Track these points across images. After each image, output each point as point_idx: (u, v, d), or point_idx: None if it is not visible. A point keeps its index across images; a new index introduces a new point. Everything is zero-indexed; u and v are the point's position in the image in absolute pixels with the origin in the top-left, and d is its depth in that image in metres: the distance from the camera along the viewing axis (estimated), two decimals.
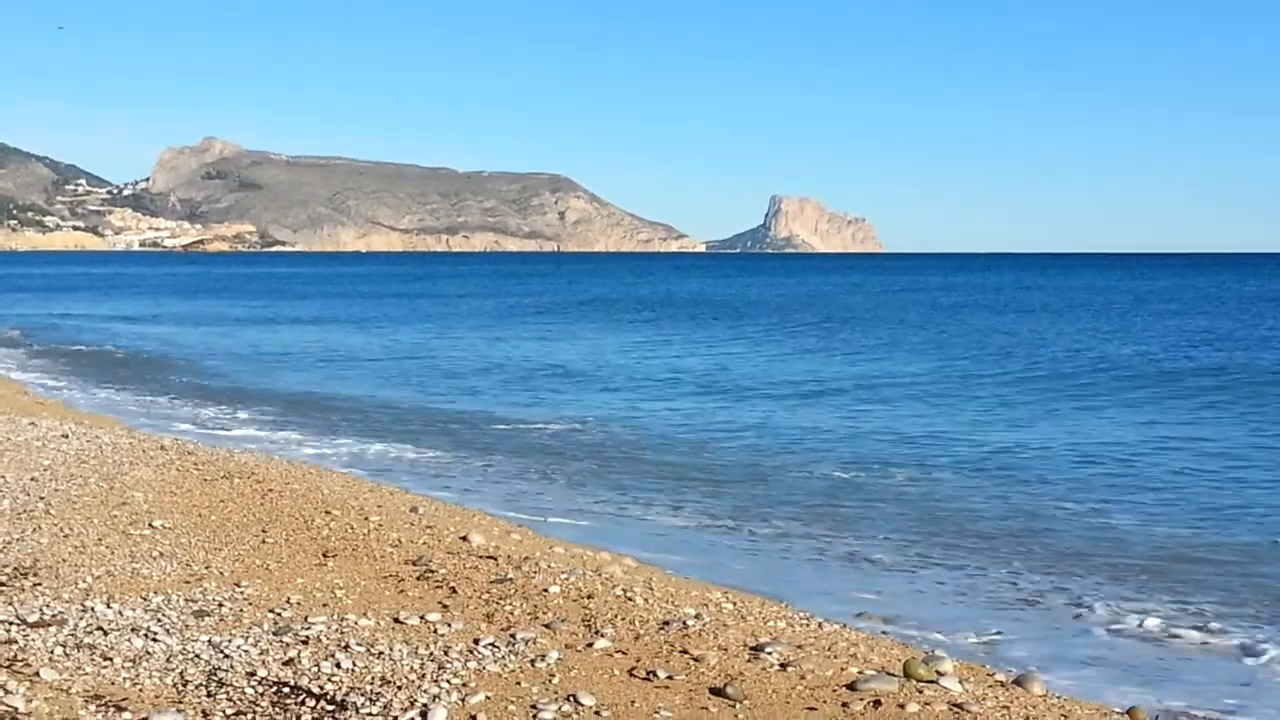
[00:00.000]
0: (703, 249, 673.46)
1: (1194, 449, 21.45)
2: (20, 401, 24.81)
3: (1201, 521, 15.65)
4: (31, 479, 14.22)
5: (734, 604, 10.40)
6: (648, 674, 8.09)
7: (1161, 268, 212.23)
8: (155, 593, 9.73)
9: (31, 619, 8.83)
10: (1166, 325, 55.38)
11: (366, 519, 13.06)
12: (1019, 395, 29.74)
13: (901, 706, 7.61)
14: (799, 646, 8.90)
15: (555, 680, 7.90)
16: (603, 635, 8.90)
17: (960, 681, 8.26)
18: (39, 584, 9.79)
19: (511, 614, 9.50)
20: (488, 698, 7.54)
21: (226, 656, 8.21)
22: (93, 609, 9.15)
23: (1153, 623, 11.45)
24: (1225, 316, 63.26)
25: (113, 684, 7.63)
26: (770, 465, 20.07)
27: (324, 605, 9.61)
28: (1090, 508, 16.48)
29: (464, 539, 12.33)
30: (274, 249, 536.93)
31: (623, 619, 9.38)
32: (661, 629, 9.15)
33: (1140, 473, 19.16)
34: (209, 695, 7.51)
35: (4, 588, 9.63)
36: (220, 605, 9.46)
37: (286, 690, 7.64)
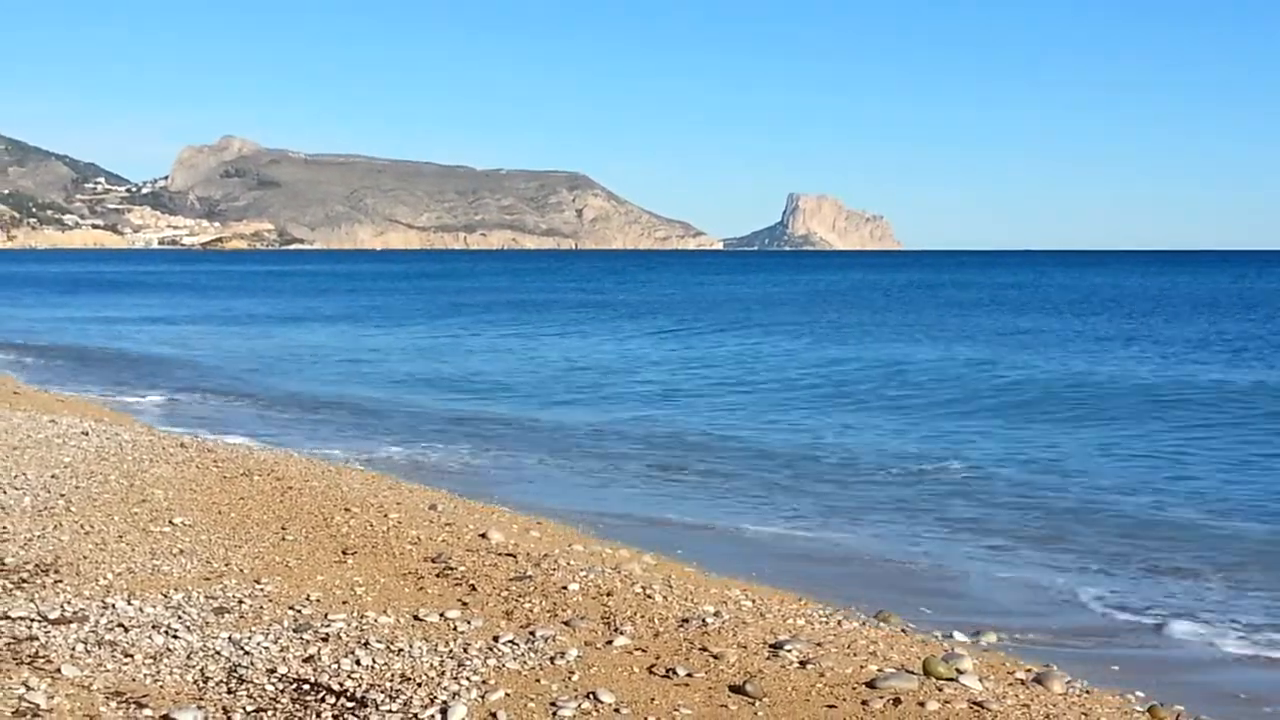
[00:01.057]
0: (720, 247, 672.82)
1: (1235, 452, 21.30)
2: (40, 398, 24.91)
3: (1253, 526, 15.44)
4: (52, 476, 14.27)
5: (753, 601, 10.39)
6: (667, 671, 8.08)
7: (1188, 264, 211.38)
8: (176, 590, 9.75)
9: (53, 616, 8.86)
10: (1197, 327, 55.10)
11: (386, 516, 13.08)
12: (1051, 395, 29.61)
13: (921, 704, 7.59)
14: (818, 644, 8.88)
15: (575, 678, 7.91)
16: (622, 633, 8.90)
17: (980, 679, 8.24)
18: (60, 581, 9.83)
19: (531, 611, 9.50)
20: (507, 695, 7.54)
21: (247, 653, 8.23)
22: (114, 606, 9.18)
23: (1185, 624, 11.41)
24: (1247, 316, 63.01)
25: (133, 681, 7.65)
26: (803, 461, 20.06)
27: (344, 602, 9.63)
28: (1128, 508, 16.36)
29: (483, 536, 12.34)
30: (292, 247, 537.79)
31: (642, 616, 9.38)
32: (681, 626, 9.14)
33: (1181, 474, 19.02)
34: (229, 692, 7.53)
35: (25, 584, 9.67)
36: (240, 602, 9.48)
37: (307, 687, 7.66)
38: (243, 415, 25.97)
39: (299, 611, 9.30)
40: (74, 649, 8.16)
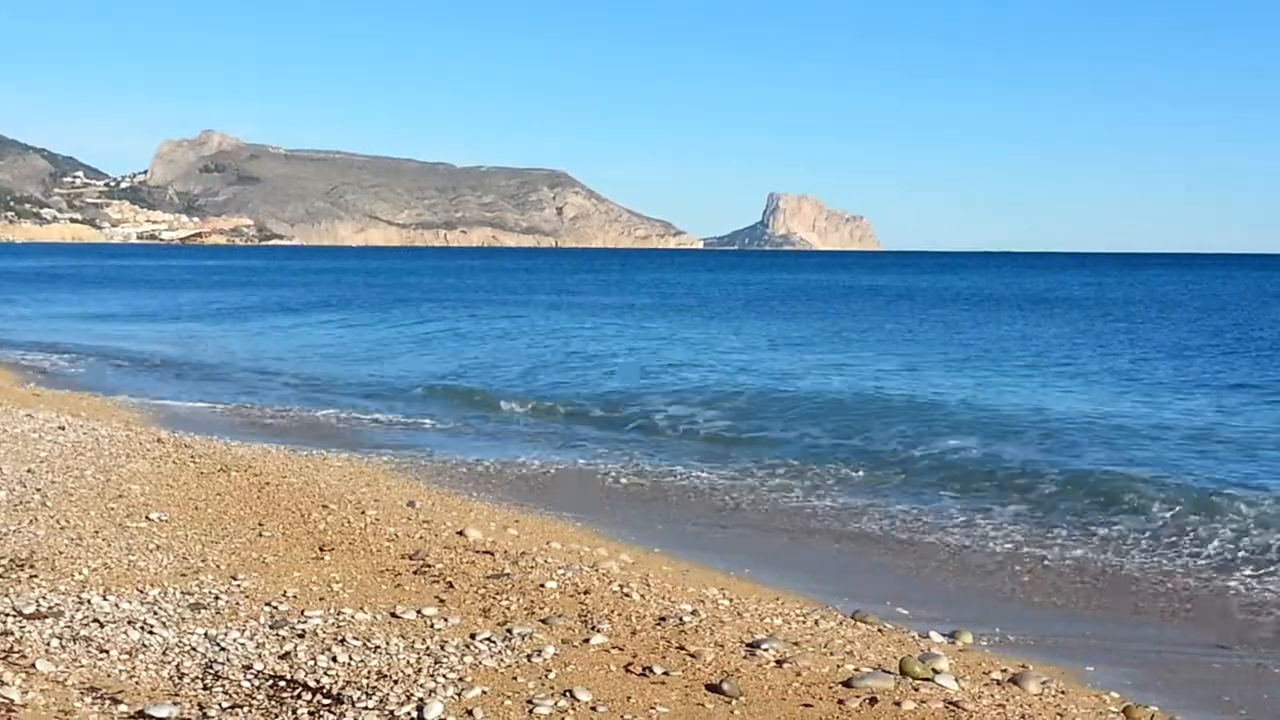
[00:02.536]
0: (700, 245, 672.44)
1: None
2: (17, 393, 24.79)
3: (1248, 522, 15.32)
4: (28, 471, 14.21)
5: (730, 600, 10.42)
6: (644, 670, 8.09)
7: (1175, 267, 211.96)
8: (152, 585, 9.72)
9: (28, 611, 8.82)
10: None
11: (363, 513, 13.06)
12: (1057, 388, 29.67)
13: (897, 704, 7.62)
14: (795, 643, 8.91)
15: (551, 676, 7.91)
16: (599, 631, 8.91)
17: (956, 679, 8.28)
18: (35, 576, 9.79)
19: (508, 609, 9.50)
20: (484, 692, 7.54)
21: (223, 649, 8.22)
22: (89, 601, 9.14)
23: (1162, 625, 11.46)
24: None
25: (109, 676, 7.63)
26: (778, 459, 20.05)
27: (320, 599, 9.61)
28: (1108, 509, 16.34)
29: (461, 534, 12.34)
30: (271, 242, 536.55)
31: (619, 615, 9.39)
32: (658, 625, 9.16)
33: (1175, 467, 19.02)
34: (205, 688, 7.52)
35: (0, 579, 9.63)
36: (217, 598, 9.46)
37: (283, 684, 7.64)
38: (330, 423, 24.55)
39: (275, 608, 9.28)
40: (49, 644, 8.13)
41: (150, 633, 8.50)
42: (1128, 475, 18.73)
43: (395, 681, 7.69)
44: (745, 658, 8.45)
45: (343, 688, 7.58)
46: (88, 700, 7.19)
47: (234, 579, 10.05)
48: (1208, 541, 14.59)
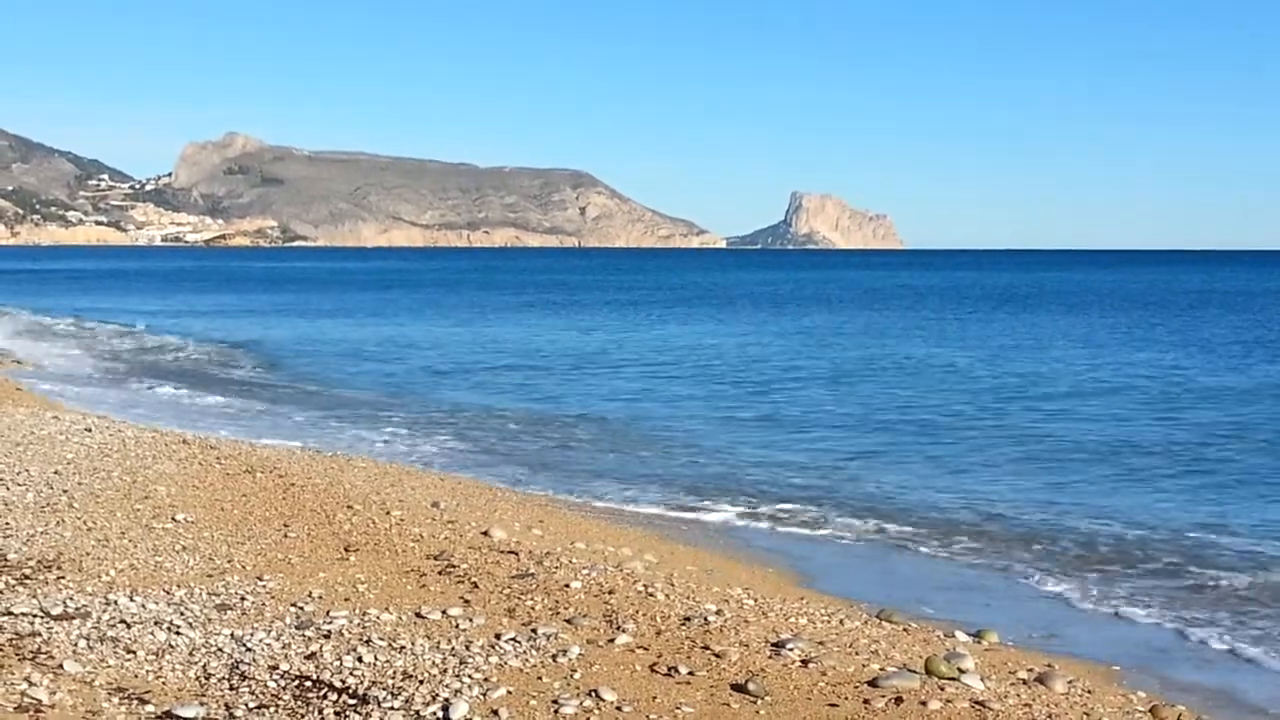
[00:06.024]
0: (723, 245, 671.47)
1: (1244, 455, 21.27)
2: (39, 400, 24.90)
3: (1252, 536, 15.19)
4: (55, 472, 14.26)
5: (755, 600, 10.39)
6: (669, 670, 8.09)
7: (1195, 265, 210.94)
8: (178, 586, 9.76)
9: (55, 612, 8.86)
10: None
11: (388, 514, 13.08)
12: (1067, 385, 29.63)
13: (923, 703, 7.60)
14: (820, 643, 8.89)
15: (577, 675, 7.91)
16: (624, 631, 8.90)
17: (982, 678, 8.25)
18: (62, 577, 9.83)
19: (533, 609, 9.50)
20: (509, 692, 7.54)
21: (249, 650, 8.24)
22: (116, 602, 9.18)
23: (1188, 626, 11.38)
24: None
25: (136, 677, 7.66)
26: (795, 461, 20.02)
27: (346, 599, 9.63)
28: (1128, 511, 16.25)
29: (485, 534, 12.35)
30: (295, 244, 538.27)
31: (644, 614, 9.38)
32: (683, 625, 9.15)
33: (1181, 486, 18.86)
34: (231, 688, 7.54)
35: (28, 580, 9.67)
36: (243, 599, 9.48)
37: (308, 684, 7.66)
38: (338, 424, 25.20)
39: (301, 608, 9.30)
40: (76, 645, 8.17)
41: (177, 633, 8.53)
42: (1155, 468, 18.68)
43: (421, 682, 7.70)
44: (770, 657, 8.43)
45: (368, 688, 7.60)
46: (115, 700, 7.22)
47: (260, 580, 10.08)
48: (1234, 543, 14.51)
